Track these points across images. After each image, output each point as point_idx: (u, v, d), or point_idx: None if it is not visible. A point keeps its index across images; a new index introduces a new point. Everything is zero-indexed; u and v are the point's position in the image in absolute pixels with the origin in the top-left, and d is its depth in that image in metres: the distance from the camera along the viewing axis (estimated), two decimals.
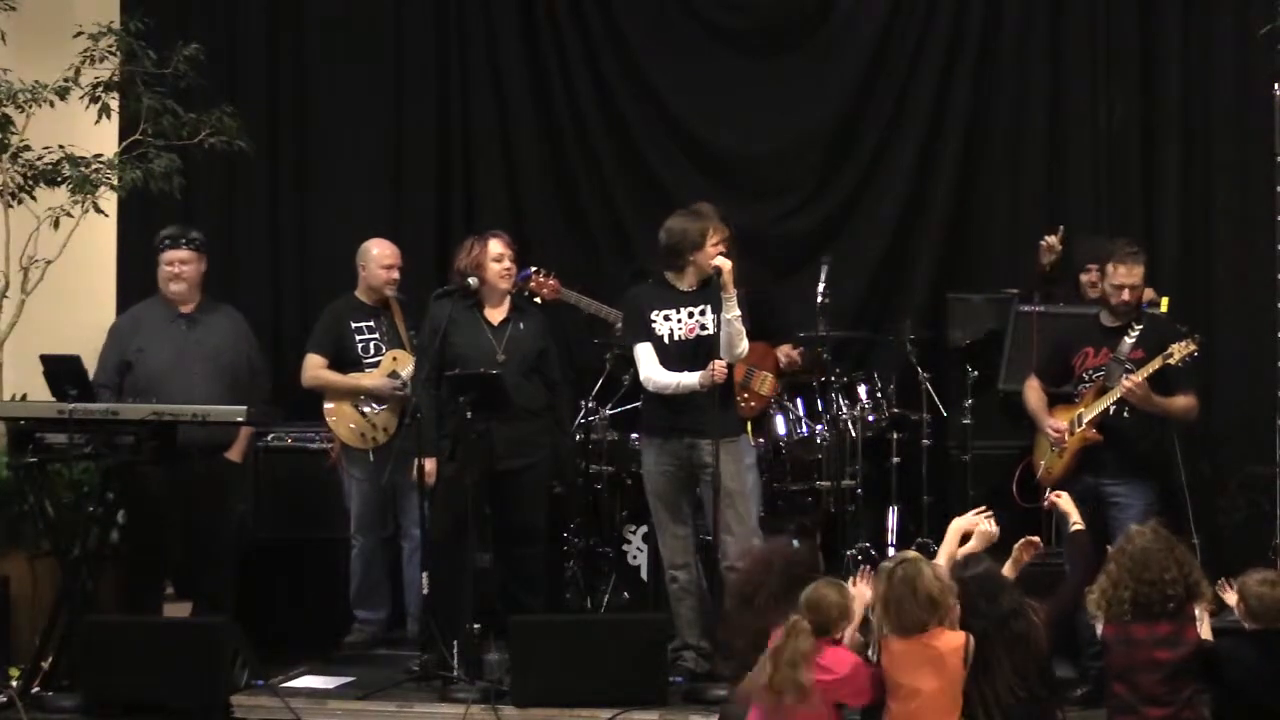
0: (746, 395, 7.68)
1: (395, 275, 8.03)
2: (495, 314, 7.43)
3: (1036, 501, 6.98)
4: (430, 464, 7.25)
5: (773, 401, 8.00)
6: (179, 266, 7.70)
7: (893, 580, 5.46)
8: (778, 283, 8.40)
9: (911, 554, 5.69)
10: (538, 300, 7.65)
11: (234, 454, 7.69)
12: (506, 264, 7.41)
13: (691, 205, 7.44)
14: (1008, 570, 5.95)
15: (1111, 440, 6.88)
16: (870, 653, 5.57)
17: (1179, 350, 6.73)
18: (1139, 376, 6.73)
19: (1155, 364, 6.76)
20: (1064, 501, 6.23)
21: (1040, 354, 7.35)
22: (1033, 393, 7.15)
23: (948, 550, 5.92)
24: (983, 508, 6.03)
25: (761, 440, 7.91)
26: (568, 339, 8.37)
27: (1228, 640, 5.75)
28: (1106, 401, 6.85)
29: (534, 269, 7.76)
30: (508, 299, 7.46)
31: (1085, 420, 6.90)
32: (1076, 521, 6.15)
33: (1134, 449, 6.89)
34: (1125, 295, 6.95)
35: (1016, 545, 6.09)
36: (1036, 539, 6.09)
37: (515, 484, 7.34)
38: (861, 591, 5.84)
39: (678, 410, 6.98)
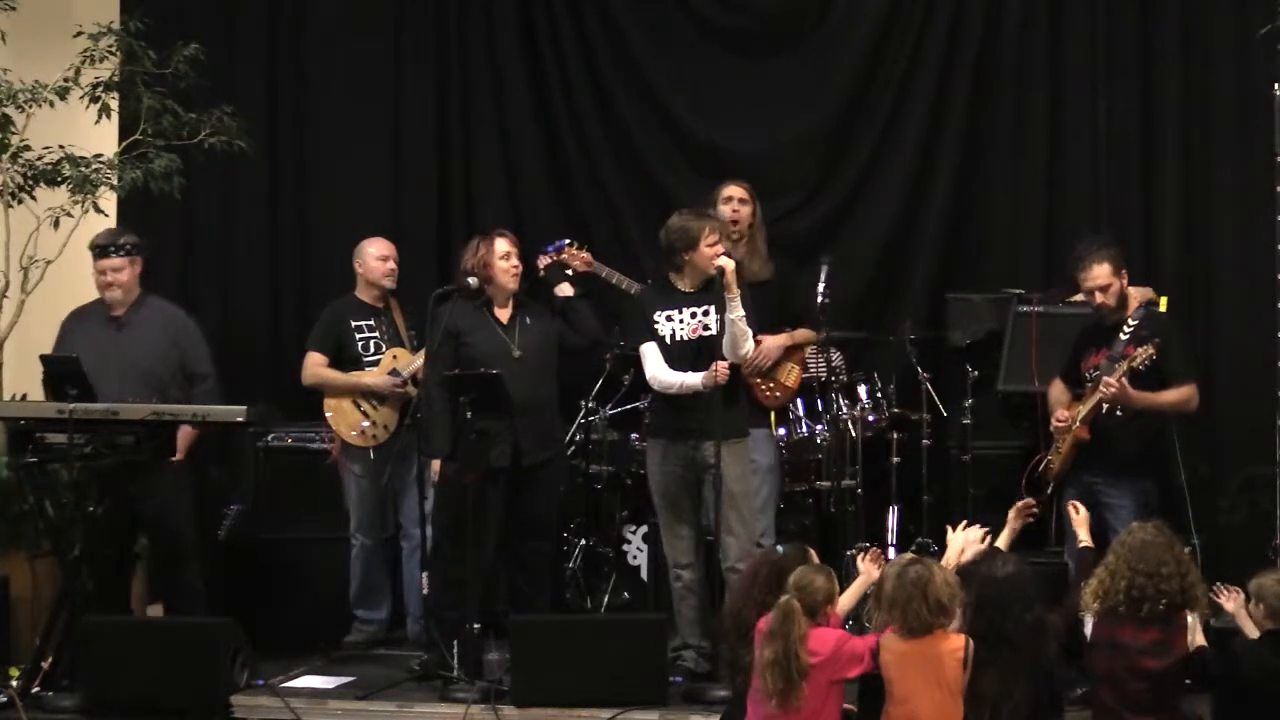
0: (772, 385, 7.68)
1: (391, 266, 8.03)
2: (504, 313, 7.43)
3: (1042, 493, 6.97)
4: (438, 464, 7.27)
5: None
6: (111, 274, 7.67)
7: (903, 580, 5.48)
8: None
9: (921, 557, 5.74)
10: (569, 272, 7.65)
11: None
12: (514, 262, 7.42)
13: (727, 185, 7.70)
14: (1004, 539, 6.02)
15: (1100, 440, 6.89)
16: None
17: (1141, 354, 6.71)
18: (1114, 378, 6.71)
19: (1123, 368, 6.75)
20: (1076, 520, 6.24)
21: (1064, 356, 7.33)
22: (1054, 389, 7.16)
23: (950, 563, 5.95)
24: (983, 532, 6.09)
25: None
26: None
27: (1242, 640, 5.76)
28: (1093, 400, 6.85)
29: (568, 240, 7.78)
30: (513, 297, 7.45)
31: (1078, 419, 6.90)
32: (1084, 540, 6.18)
33: (1122, 449, 6.88)
34: (1098, 299, 6.94)
35: (1012, 511, 6.14)
36: (1033, 501, 6.16)
37: (536, 478, 7.34)
38: (869, 569, 5.91)
39: (683, 411, 6.98)
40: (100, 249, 7.72)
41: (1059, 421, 6.99)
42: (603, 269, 7.88)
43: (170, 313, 7.84)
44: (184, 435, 7.56)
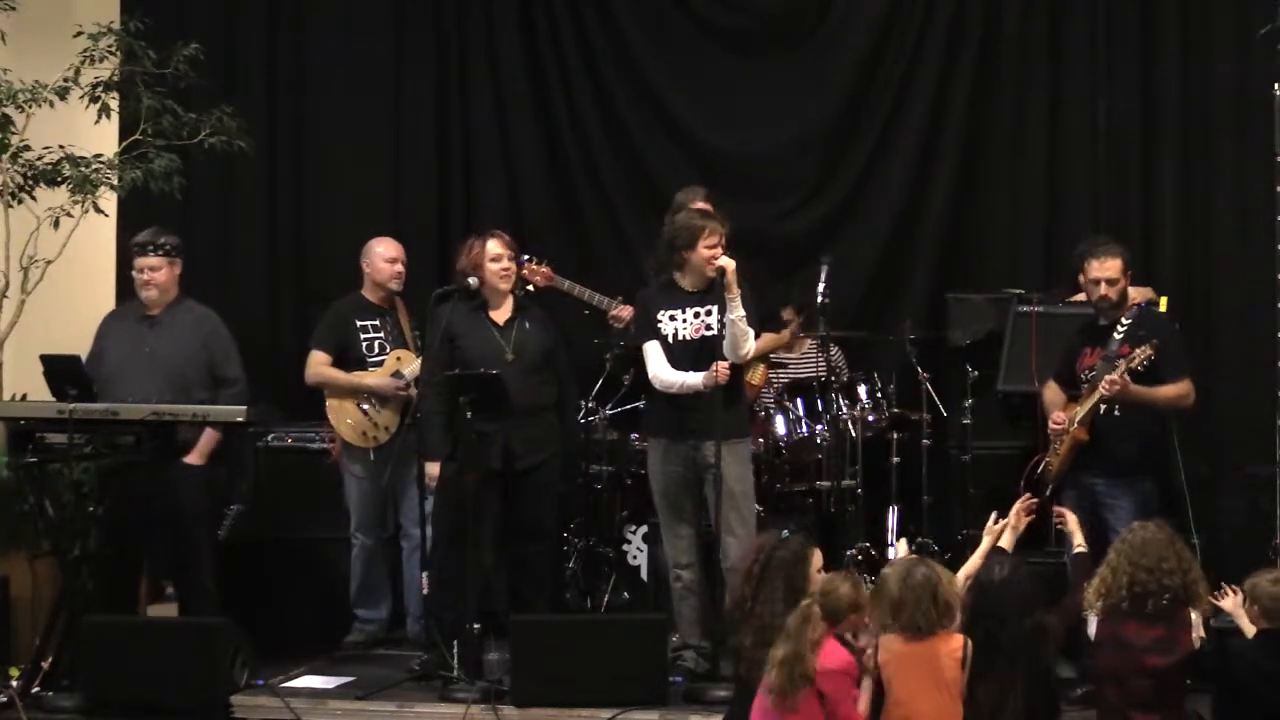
0: None
1: (399, 269, 8.01)
2: (500, 314, 7.42)
3: (1041, 494, 6.98)
4: (434, 468, 7.24)
5: (763, 392, 8.00)
6: (148, 273, 7.65)
7: (911, 583, 5.46)
8: (772, 281, 8.44)
9: (923, 557, 5.74)
10: (530, 288, 7.64)
11: (193, 457, 7.54)
12: (505, 264, 7.40)
13: (687, 192, 7.58)
14: (1007, 540, 6.01)
15: (1099, 441, 6.89)
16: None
17: (1139, 354, 6.73)
18: (1117, 374, 6.73)
19: (1123, 367, 6.76)
20: (1069, 523, 6.25)
21: (1057, 358, 7.34)
22: (1049, 391, 7.17)
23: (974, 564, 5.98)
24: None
25: (761, 440, 7.90)
26: (567, 338, 8.35)
27: (1238, 640, 5.75)
28: (1092, 400, 6.85)
29: (526, 256, 7.76)
30: (511, 299, 7.44)
31: (1076, 420, 6.91)
32: (1080, 544, 6.18)
33: (1121, 449, 6.88)
34: (1103, 289, 6.95)
35: (1013, 511, 6.14)
36: (1034, 499, 6.17)
37: (529, 481, 7.33)
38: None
39: (684, 411, 6.98)
40: (139, 247, 7.70)
41: (1056, 424, 7.00)
42: (564, 282, 7.87)
43: (202, 314, 7.79)
44: (206, 439, 7.55)
